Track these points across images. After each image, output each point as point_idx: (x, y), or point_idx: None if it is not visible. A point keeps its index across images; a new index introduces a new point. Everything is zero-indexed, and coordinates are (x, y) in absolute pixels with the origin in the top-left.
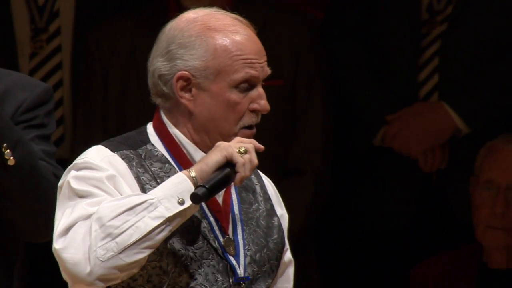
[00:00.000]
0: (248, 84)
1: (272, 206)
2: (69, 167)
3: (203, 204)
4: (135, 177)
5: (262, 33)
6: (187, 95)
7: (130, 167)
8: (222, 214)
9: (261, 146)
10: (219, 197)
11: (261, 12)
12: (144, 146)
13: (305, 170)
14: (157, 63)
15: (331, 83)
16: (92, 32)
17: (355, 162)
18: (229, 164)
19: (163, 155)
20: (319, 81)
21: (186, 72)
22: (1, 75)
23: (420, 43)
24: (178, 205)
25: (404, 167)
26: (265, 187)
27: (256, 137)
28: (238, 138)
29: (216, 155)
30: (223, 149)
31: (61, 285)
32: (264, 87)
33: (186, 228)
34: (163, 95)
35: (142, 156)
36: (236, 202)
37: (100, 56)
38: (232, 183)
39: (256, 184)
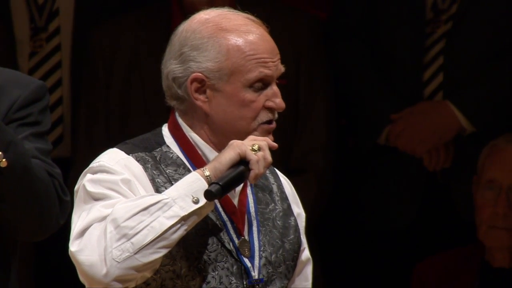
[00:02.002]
0: (262, 83)
1: (289, 206)
2: (85, 170)
3: (218, 205)
4: (150, 180)
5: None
6: (201, 97)
7: (145, 169)
8: (237, 215)
9: (275, 144)
10: (235, 198)
11: (263, 12)
12: (159, 148)
13: (307, 170)
14: (171, 66)
15: (333, 83)
16: (94, 31)
17: (359, 161)
18: (242, 162)
19: (178, 157)
20: (321, 81)
21: (200, 74)
22: None
23: (424, 42)
24: (193, 204)
25: (409, 166)
26: (282, 186)
27: None
28: (251, 137)
29: (230, 153)
30: (236, 147)
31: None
32: None
33: (201, 231)
34: (178, 98)
35: (157, 159)
36: (253, 203)
37: (102, 55)
38: (247, 181)
39: (273, 184)
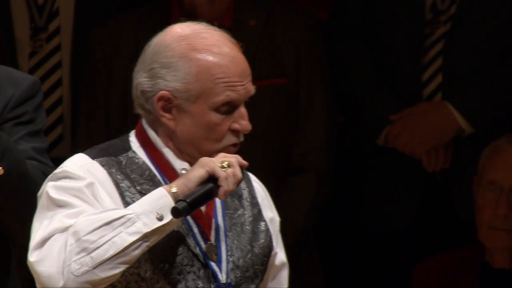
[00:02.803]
0: (229, 106)
1: (259, 211)
2: (49, 176)
3: None
4: (114, 184)
5: (264, 31)
6: (167, 114)
7: (110, 173)
8: (205, 221)
9: (245, 162)
10: None
11: (264, 10)
12: (125, 154)
13: (308, 169)
14: (140, 78)
15: (333, 82)
16: (94, 31)
17: (359, 162)
18: (211, 179)
19: (144, 162)
20: (321, 80)
21: (167, 93)
22: None
23: (423, 43)
24: (157, 221)
25: (408, 166)
26: (254, 191)
27: (258, 135)
28: (222, 154)
29: (198, 171)
30: (205, 164)
31: None
32: (267, 85)
33: (167, 235)
34: (145, 110)
35: (123, 163)
36: (220, 208)
37: (103, 55)
38: (217, 198)
39: (244, 189)
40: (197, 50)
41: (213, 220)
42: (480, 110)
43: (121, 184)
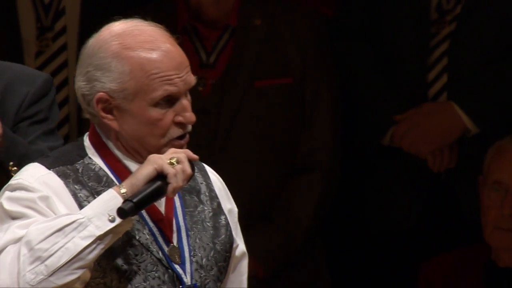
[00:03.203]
0: (168, 100)
1: (218, 204)
2: (4, 187)
3: (145, 215)
4: (72, 195)
5: (270, 30)
6: (109, 116)
7: (67, 184)
8: (165, 223)
9: (195, 156)
10: (161, 206)
11: (270, 10)
12: (81, 161)
13: (314, 168)
14: (79, 82)
15: (339, 81)
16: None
17: (364, 162)
18: (160, 176)
19: (100, 168)
20: (327, 79)
21: (104, 94)
22: (1, 70)
23: (429, 43)
24: (109, 223)
25: (413, 166)
26: (211, 184)
27: (264, 135)
28: (171, 150)
29: (147, 169)
30: (153, 162)
31: None
32: (273, 85)
33: (129, 242)
34: (90, 113)
35: (80, 171)
36: (180, 208)
37: None
38: (166, 195)
39: (201, 183)
40: (129, 48)
41: (174, 221)
42: (485, 110)
43: (79, 195)
